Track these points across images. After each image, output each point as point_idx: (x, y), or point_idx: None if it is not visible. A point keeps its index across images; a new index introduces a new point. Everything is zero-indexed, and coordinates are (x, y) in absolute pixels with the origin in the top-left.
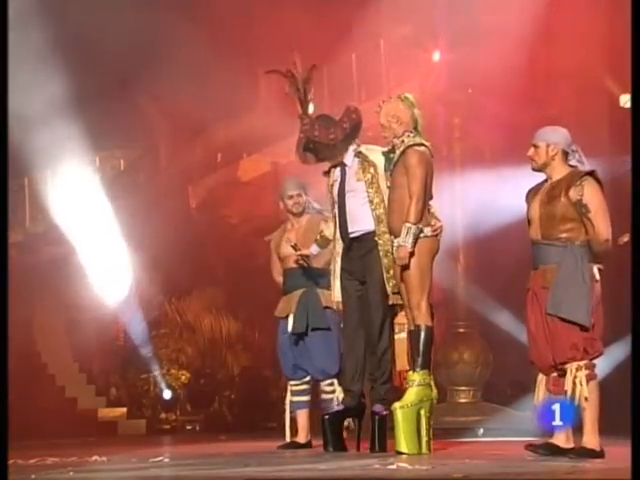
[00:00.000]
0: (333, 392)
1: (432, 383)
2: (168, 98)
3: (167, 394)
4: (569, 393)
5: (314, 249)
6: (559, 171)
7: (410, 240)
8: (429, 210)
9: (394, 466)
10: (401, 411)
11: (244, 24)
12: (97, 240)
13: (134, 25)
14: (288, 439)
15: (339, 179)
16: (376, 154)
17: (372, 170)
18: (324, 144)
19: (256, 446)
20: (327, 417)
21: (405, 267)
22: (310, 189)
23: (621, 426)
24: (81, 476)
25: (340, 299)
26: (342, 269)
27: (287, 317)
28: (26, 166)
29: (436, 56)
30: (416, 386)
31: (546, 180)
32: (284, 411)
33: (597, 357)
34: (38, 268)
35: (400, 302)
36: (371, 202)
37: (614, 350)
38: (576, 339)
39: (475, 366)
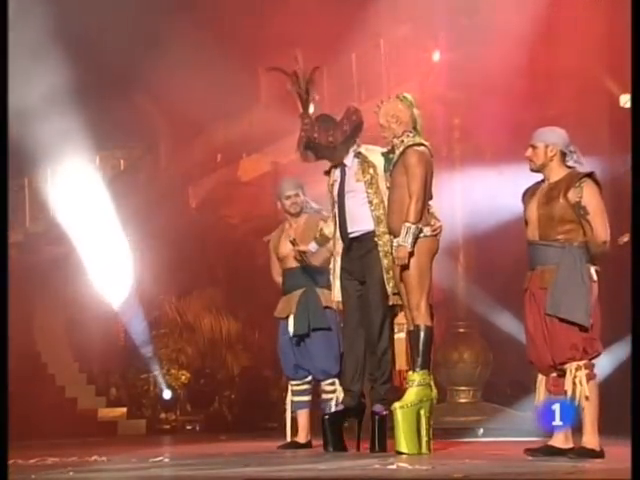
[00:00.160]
0: (334, 392)
1: (432, 383)
2: (168, 98)
3: (167, 394)
4: (569, 393)
5: (312, 246)
6: (557, 172)
7: (410, 240)
8: (429, 210)
9: (394, 466)
10: (401, 411)
11: (244, 24)
12: (97, 240)
13: (133, 25)
14: (289, 439)
15: (339, 179)
16: (375, 155)
17: (371, 171)
18: (323, 146)
19: (256, 446)
20: (327, 417)
21: (404, 267)
22: (309, 189)
23: (621, 426)
24: (81, 476)
25: (340, 299)
26: (342, 269)
27: (287, 317)
28: (26, 166)
29: (436, 56)
30: (416, 386)
31: (543, 180)
32: (284, 411)
33: (596, 357)
34: (38, 268)
35: (400, 303)
36: (370, 203)
37: (614, 350)
38: (575, 339)
39: (475, 366)
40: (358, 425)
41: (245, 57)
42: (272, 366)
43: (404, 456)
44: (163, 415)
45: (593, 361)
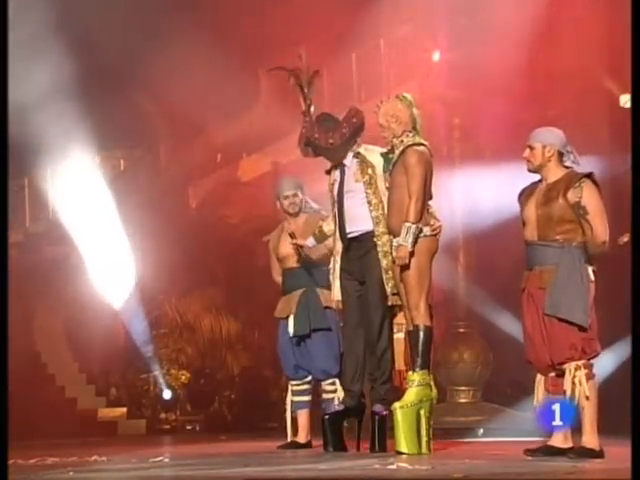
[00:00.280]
0: (334, 392)
1: (432, 383)
2: (168, 98)
3: (167, 394)
4: (569, 393)
5: (310, 241)
6: (555, 172)
7: (410, 240)
8: (428, 210)
9: (394, 466)
10: (401, 411)
11: (245, 24)
12: (97, 240)
13: (133, 24)
14: (289, 439)
15: (338, 179)
16: (375, 155)
17: (370, 171)
18: (322, 147)
19: (256, 446)
20: (327, 417)
21: (404, 267)
22: (309, 188)
23: (621, 426)
24: (81, 476)
25: (340, 298)
26: (342, 269)
27: (287, 318)
28: (26, 166)
29: (436, 56)
30: (416, 386)
31: (540, 181)
32: (284, 411)
33: (595, 357)
34: (38, 268)
35: (399, 303)
36: (369, 203)
37: (614, 350)
38: (574, 339)
39: (475, 366)
40: (358, 425)
41: (245, 57)
42: (272, 366)
43: (404, 456)
44: (163, 415)
45: (592, 361)
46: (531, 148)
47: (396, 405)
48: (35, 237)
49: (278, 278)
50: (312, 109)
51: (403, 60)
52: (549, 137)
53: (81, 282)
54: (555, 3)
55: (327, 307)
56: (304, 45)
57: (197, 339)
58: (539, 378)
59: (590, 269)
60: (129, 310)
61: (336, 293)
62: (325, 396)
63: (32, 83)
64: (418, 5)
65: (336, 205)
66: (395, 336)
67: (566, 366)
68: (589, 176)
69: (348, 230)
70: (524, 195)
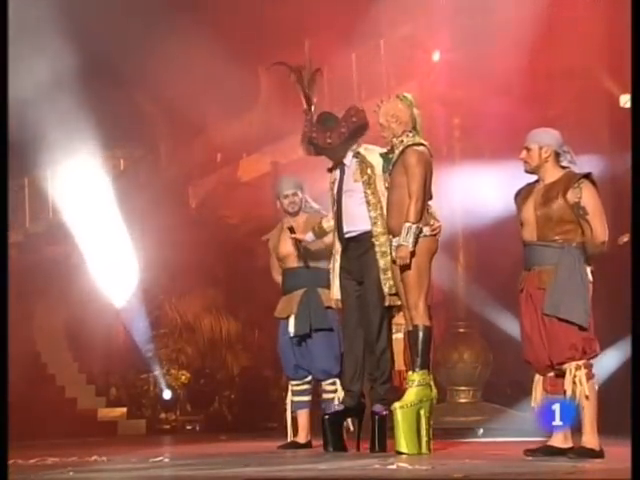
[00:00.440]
0: (335, 392)
1: (432, 383)
2: (168, 98)
3: (167, 394)
4: (569, 393)
5: (309, 236)
6: (552, 173)
7: (411, 240)
8: (428, 210)
9: (394, 466)
10: (401, 411)
11: (245, 24)
12: (97, 240)
13: (133, 24)
14: (289, 439)
15: (338, 178)
16: (374, 155)
17: (369, 171)
18: (321, 146)
19: (256, 446)
20: (327, 417)
21: (404, 267)
22: (309, 187)
23: (621, 426)
24: (81, 476)
25: (339, 297)
26: (341, 268)
27: (288, 318)
28: (26, 166)
29: (436, 56)
30: (416, 386)
31: (536, 181)
32: (284, 411)
33: (594, 357)
34: (38, 268)
35: (397, 303)
36: (368, 203)
37: (614, 350)
38: (574, 339)
39: (475, 366)
40: (358, 425)
41: (245, 57)
42: (272, 366)
43: (404, 456)
44: (163, 415)
45: (592, 361)
46: (528, 149)
47: (396, 405)
48: (35, 237)
49: (278, 277)
50: (313, 107)
51: (403, 60)
52: (546, 138)
53: (81, 282)
54: (555, 3)
55: (328, 307)
56: (305, 43)
57: (197, 339)
58: (537, 378)
59: (588, 269)
60: (129, 310)
61: (335, 292)
62: (325, 396)
63: (32, 82)
64: (418, 5)
65: (335, 204)
66: (394, 336)
67: (566, 366)
68: (588, 176)
69: (346, 230)
70: (520, 196)
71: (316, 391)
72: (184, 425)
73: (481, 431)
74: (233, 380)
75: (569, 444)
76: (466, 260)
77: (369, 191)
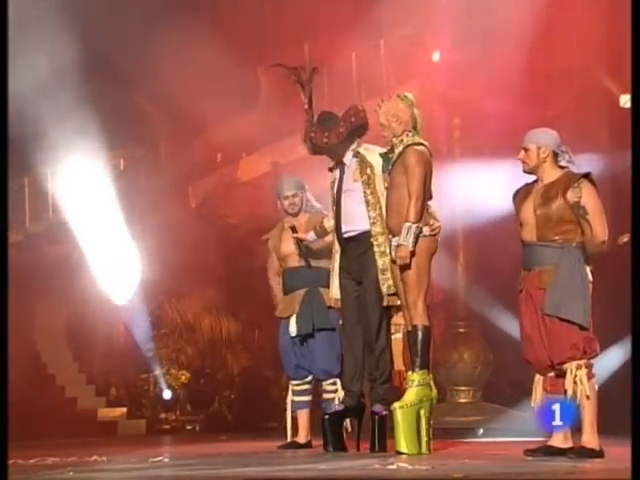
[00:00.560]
0: (335, 392)
1: (432, 383)
2: (168, 97)
3: (167, 394)
4: (570, 392)
5: (311, 236)
6: (551, 173)
7: (411, 239)
8: (428, 210)
9: (394, 466)
10: (401, 411)
11: (245, 24)
12: (97, 240)
13: (134, 23)
14: (290, 439)
15: (338, 178)
16: (374, 155)
17: (369, 171)
18: (319, 145)
19: (256, 446)
20: (327, 417)
21: (404, 267)
22: (310, 186)
23: (621, 426)
24: (81, 476)
25: (338, 296)
26: (341, 268)
27: (289, 317)
28: (26, 166)
29: (436, 56)
30: (416, 386)
31: (535, 181)
32: (284, 411)
33: (594, 357)
34: (38, 268)
35: (395, 303)
36: (367, 203)
37: (614, 350)
38: (575, 339)
39: (475, 366)
40: (358, 425)
41: (245, 57)
42: (272, 366)
43: (404, 456)
44: (163, 415)
45: (592, 361)
46: (526, 150)
47: (396, 405)
48: (35, 237)
49: (273, 278)
50: (313, 106)
51: (403, 60)
52: (543, 138)
53: (81, 282)
54: (555, 3)
55: (330, 307)
56: (304, 44)
57: (197, 339)
58: (538, 378)
59: (588, 269)
60: (129, 310)
61: (335, 292)
62: (326, 396)
63: (33, 82)
64: (418, 5)
65: (334, 204)
66: (393, 336)
67: (567, 366)
68: (587, 176)
69: (344, 229)
70: (519, 196)
71: (316, 391)
72: (184, 425)
73: (481, 431)
74: (233, 380)
75: (569, 444)
76: (466, 260)
77: (368, 191)
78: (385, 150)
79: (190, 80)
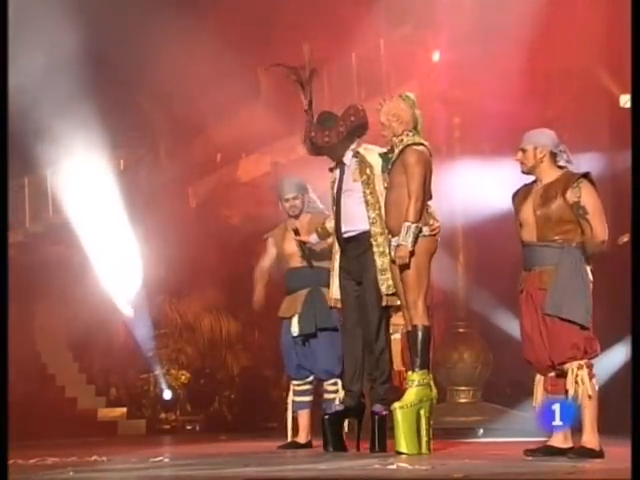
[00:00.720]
0: (336, 392)
1: (432, 383)
2: (168, 98)
3: (167, 394)
4: (571, 392)
5: (313, 238)
6: (549, 173)
7: (410, 239)
8: (427, 210)
9: (394, 466)
10: (401, 411)
11: (245, 23)
12: (97, 241)
13: (134, 23)
14: (290, 439)
15: (338, 178)
16: (374, 155)
17: (368, 171)
18: (319, 145)
19: (256, 446)
20: (327, 417)
21: (404, 267)
22: (313, 187)
23: (621, 426)
24: (81, 476)
25: (338, 296)
26: (340, 268)
27: (292, 317)
28: (26, 166)
29: (436, 56)
30: (416, 386)
31: (534, 182)
32: (284, 411)
33: (595, 357)
34: (38, 268)
35: (395, 303)
36: (367, 203)
37: (614, 350)
38: (576, 339)
39: (475, 366)
40: (358, 425)
41: (245, 57)
42: (272, 366)
43: (404, 456)
44: (163, 415)
45: (592, 361)
46: (523, 150)
47: (396, 405)
48: (35, 237)
49: (259, 274)
50: (313, 106)
51: (403, 60)
52: (541, 138)
53: (81, 282)
54: (555, 3)
55: (332, 307)
56: (304, 44)
57: (197, 339)
58: (538, 378)
59: (588, 269)
60: (129, 310)
61: (335, 292)
62: (327, 396)
63: (32, 83)
64: (418, 5)
65: (334, 204)
66: (392, 337)
67: (568, 366)
68: (586, 176)
69: (344, 229)
70: (518, 197)
71: (317, 391)
72: (184, 425)
73: (481, 431)
74: (233, 380)
75: (569, 444)
76: (466, 260)
77: (368, 191)
78: (385, 150)
79: (190, 80)
